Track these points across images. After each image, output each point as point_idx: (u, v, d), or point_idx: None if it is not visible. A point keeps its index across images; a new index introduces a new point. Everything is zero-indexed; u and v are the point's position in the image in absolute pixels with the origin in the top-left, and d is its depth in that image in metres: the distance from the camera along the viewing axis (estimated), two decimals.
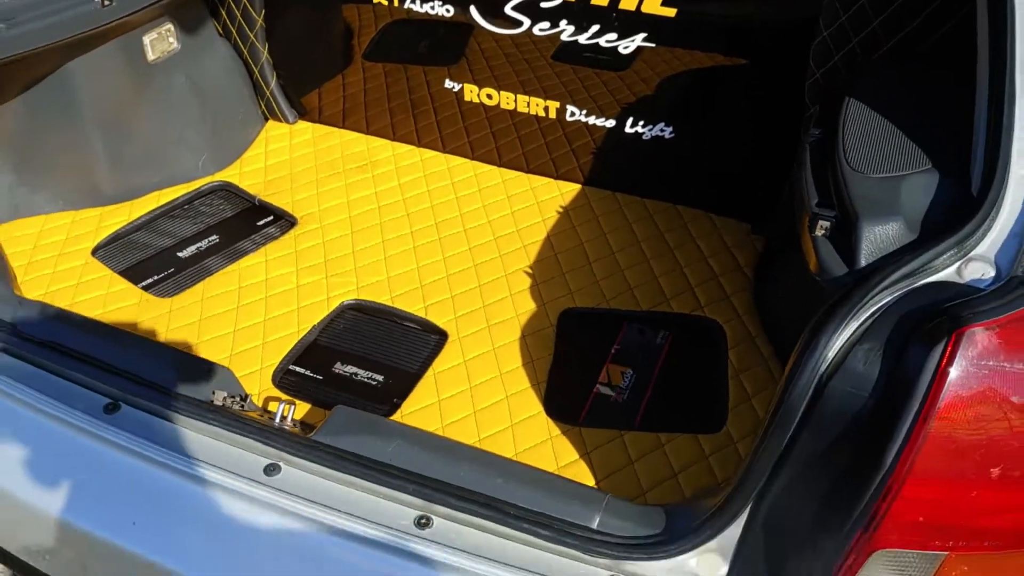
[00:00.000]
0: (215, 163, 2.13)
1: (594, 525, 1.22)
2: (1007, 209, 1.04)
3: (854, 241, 1.10)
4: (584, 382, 1.61)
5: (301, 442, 1.33)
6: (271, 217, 2.02)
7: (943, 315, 0.94)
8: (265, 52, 2.20)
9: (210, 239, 1.95)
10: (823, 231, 1.17)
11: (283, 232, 1.96)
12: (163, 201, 2.03)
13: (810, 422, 1.04)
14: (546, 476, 1.32)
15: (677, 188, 1.98)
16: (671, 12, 1.77)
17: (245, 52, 2.20)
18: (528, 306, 1.74)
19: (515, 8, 1.90)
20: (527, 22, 1.91)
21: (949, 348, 0.92)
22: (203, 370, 1.47)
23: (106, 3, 1.77)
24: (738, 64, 1.81)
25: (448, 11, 1.98)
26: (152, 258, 1.90)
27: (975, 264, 1.02)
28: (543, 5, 1.87)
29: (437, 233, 1.93)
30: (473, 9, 1.94)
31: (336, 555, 1.26)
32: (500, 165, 2.13)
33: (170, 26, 2.01)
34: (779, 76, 1.76)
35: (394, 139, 2.23)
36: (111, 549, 1.34)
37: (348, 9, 2.12)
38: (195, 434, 1.37)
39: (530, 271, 1.83)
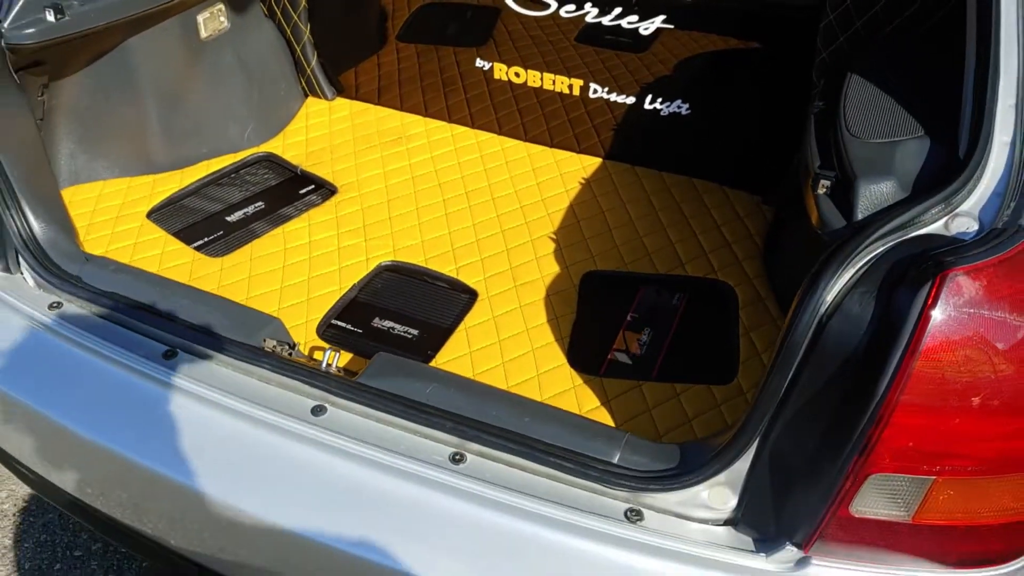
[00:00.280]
0: (259, 135, 2.27)
1: (614, 460, 1.34)
2: (990, 170, 1.15)
3: (852, 198, 1.22)
4: (605, 338, 1.74)
5: (345, 384, 1.46)
6: (312, 186, 2.15)
7: (929, 260, 1.06)
8: (307, 32, 2.33)
9: (256, 205, 2.09)
10: (824, 189, 1.29)
11: (324, 200, 2.09)
12: (211, 170, 2.17)
13: (811, 360, 1.15)
14: (570, 416, 1.45)
15: (692, 162, 2.10)
16: None
17: (288, 32, 2.33)
18: (552, 268, 1.87)
19: None
20: (554, 4, 2.04)
21: (934, 290, 1.04)
22: (254, 319, 1.60)
23: None
24: (750, 45, 1.92)
25: None
26: (202, 221, 2.03)
27: (961, 219, 1.14)
28: None
29: (467, 201, 2.06)
30: None
31: (376, 488, 1.38)
32: (526, 140, 2.25)
33: (221, 6, 2.14)
34: (788, 56, 1.88)
35: (426, 115, 2.36)
36: (166, 484, 1.46)
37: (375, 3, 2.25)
38: (247, 377, 1.50)
39: (554, 237, 1.96)
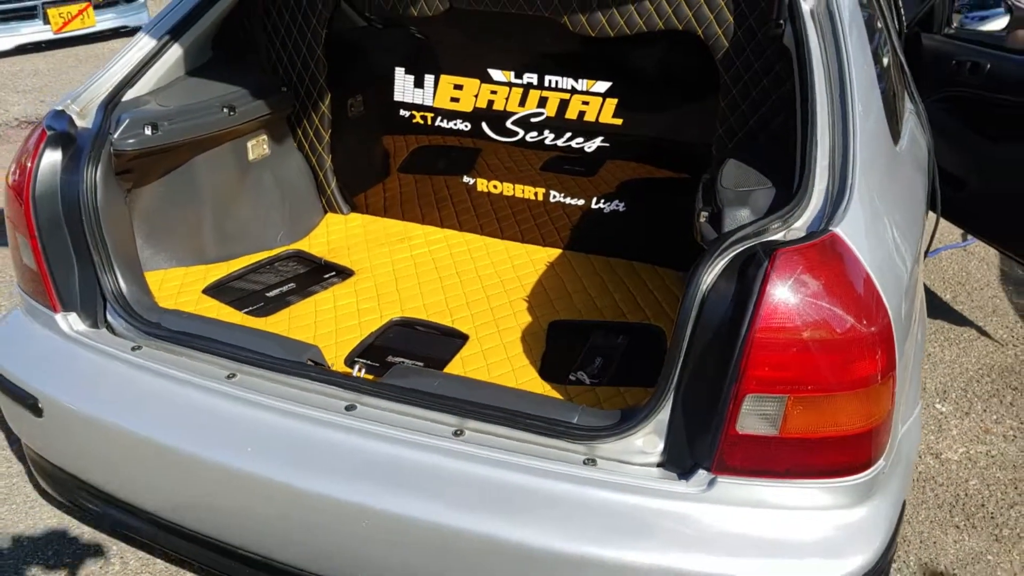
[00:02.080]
0: (289, 238, 2.86)
1: (574, 421, 1.84)
2: (813, 202, 1.74)
3: (721, 220, 1.82)
4: (567, 364, 2.26)
5: (371, 386, 1.96)
6: (333, 272, 2.72)
7: (770, 247, 1.64)
8: (328, 161, 2.98)
9: (289, 286, 2.64)
10: (704, 217, 1.89)
11: (343, 280, 2.65)
12: (251, 261, 2.73)
13: (698, 325, 1.68)
14: (540, 395, 1.96)
15: (630, 247, 2.72)
16: (619, 121, 2.57)
17: (313, 160, 2.98)
18: (526, 318, 2.42)
19: (513, 123, 2.71)
20: (521, 132, 2.72)
21: (771, 262, 1.61)
22: (297, 345, 2.12)
23: (229, 113, 2.55)
24: (665, 155, 2.59)
25: (467, 127, 2.78)
26: (247, 296, 2.57)
27: (793, 231, 1.72)
28: (532, 120, 2.68)
29: (459, 278, 2.64)
30: (484, 125, 2.75)
31: (398, 460, 1.85)
32: (503, 238, 2.87)
33: (265, 136, 2.79)
34: (694, 165, 2.54)
35: (423, 223, 2.98)
36: (230, 472, 1.91)
37: (391, 131, 2.93)
38: (293, 390, 1.99)
39: (526, 298, 2.52)
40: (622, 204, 2.69)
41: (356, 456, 1.87)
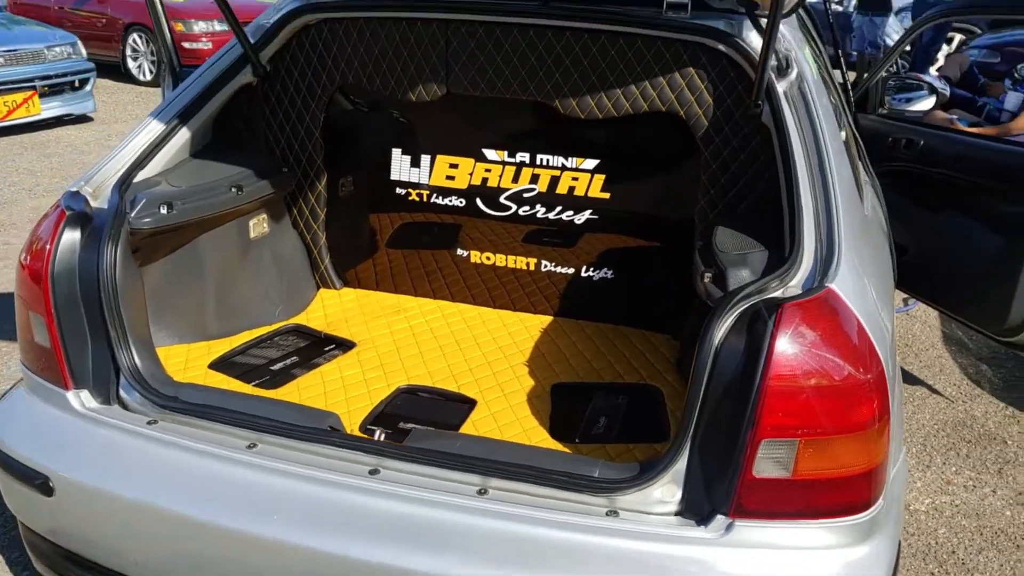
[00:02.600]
0: (287, 313, 2.93)
1: (595, 475, 1.95)
2: (804, 262, 1.92)
3: (724, 280, 1.98)
4: (575, 422, 2.37)
5: (394, 449, 2.04)
6: (334, 345, 2.80)
7: (775, 303, 1.80)
8: (323, 238, 3.09)
9: (292, 359, 2.71)
10: (707, 278, 2.05)
11: (345, 352, 2.73)
12: (252, 337, 2.79)
13: (712, 378, 1.82)
14: (560, 452, 2.06)
15: (618, 313, 2.87)
16: (607, 195, 2.76)
17: (308, 238, 3.08)
18: (529, 382, 2.53)
19: (507, 198, 2.87)
20: (514, 207, 2.88)
21: (778, 316, 1.77)
22: (317, 413, 2.18)
23: (237, 193, 2.65)
24: (650, 226, 2.78)
25: (462, 203, 2.93)
26: (253, 370, 2.62)
27: (790, 288, 1.89)
28: (525, 195, 2.85)
29: (458, 347, 2.75)
30: (478, 200, 2.91)
31: (426, 520, 1.92)
32: (495, 307, 2.99)
33: (265, 215, 2.88)
34: (678, 234, 2.73)
35: (416, 295, 3.09)
36: (256, 541, 1.95)
37: (386, 208, 3.06)
38: (315, 457, 2.04)
39: (527, 363, 2.64)
40: (610, 272, 2.86)
41: (383, 519, 1.92)
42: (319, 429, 2.09)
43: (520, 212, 2.88)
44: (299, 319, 2.94)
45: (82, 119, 9.77)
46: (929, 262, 3.71)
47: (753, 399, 1.76)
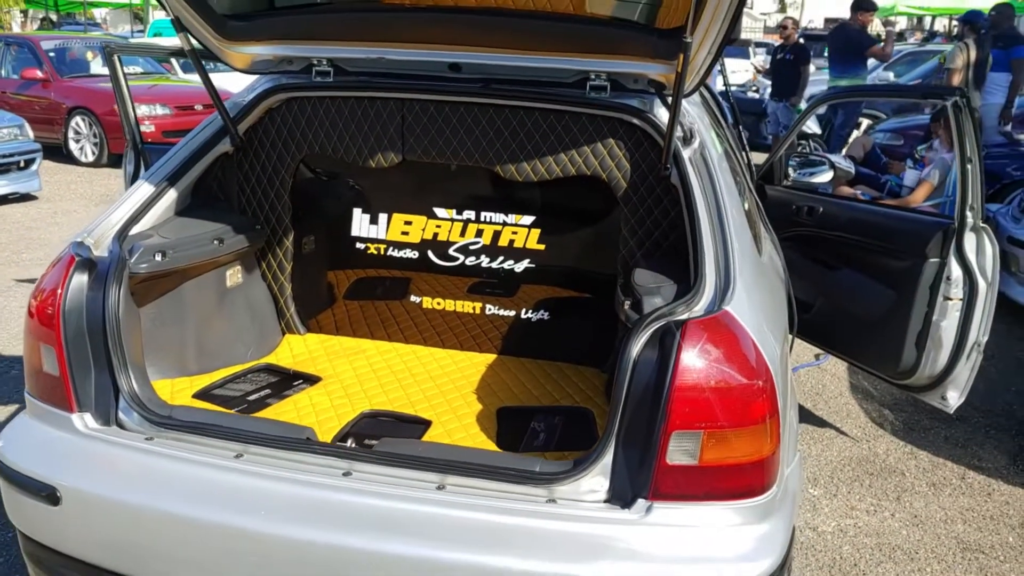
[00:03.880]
0: (257, 354, 3.24)
1: (536, 469, 2.30)
2: (707, 292, 2.33)
3: (640, 306, 2.39)
4: (519, 437, 2.72)
5: (364, 453, 2.37)
6: (302, 380, 3.11)
7: (681, 322, 2.20)
8: (289, 289, 3.43)
9: (266, 391, 3.01)
10: (627, 305, 2.47)
11: (313, 384, 3.05)
12: (227, 373, 3.09)
13: (631, 387, 2.20)
14: (507, 454, 2.41)
15: (554, 350, 3.26)
16: (542, 247, 3.18)
17: (275, 288, 3.42)
18: (477, 406, 2.88)
19: (455, 250, 3.27)
20: (461, 258, 3.28)
21: (683, 331, 2.17)
22: (294, 428, 2.50)
23: (219, 245, 2.99)
24: (580, 273, 3.20)
25: (415, 254, 3.32)
26: (233, 399, 2.92)
27: (695, 310, 2.30)
28: (471, 247, 3.25)
29: (413, 379, 3.09)
30: (430, 252, 3.30)
31: (392, 513, 2.23)
32: (444, 347, 3.35)
33: (239, 267, 3.22)
34: (603, 280, 3.14)
35: (373, 339, 3.44)
36: (246, 533, 2.24)
37: (347, 261, 3.42)
38: (294, 463, 2.35)
39: (475, 391, 2.99)
40: (546, 314, 3.26)
41: (356, 512, 2.23)
42: (298, 439, 2.40)
43: (467, 262, 3.28)
44: (269, 359, 3.25)
45: (27, 197, 9.97)
46: (831, 315, 4.15)
47: (665, 398, 2.14)
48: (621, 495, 2.23)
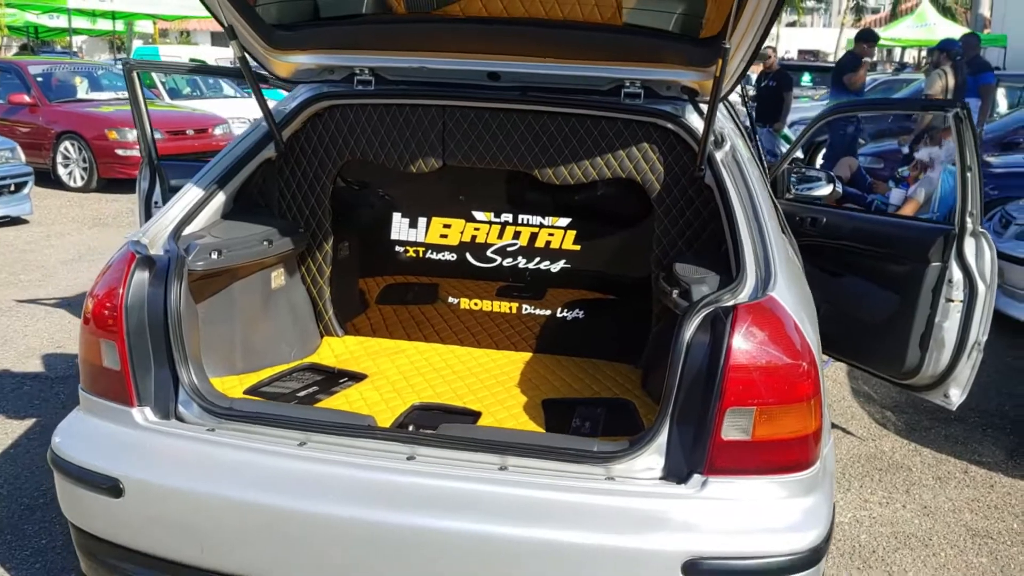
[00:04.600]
0: (300, 354, 3.34)
1: (595, 449, 2.42)
2: (749, 282, 2.47)
3: (690, 294, 2.54)
4: (565, 426, 2.84)
5: (427, 437, 2.48)
6: (346, 378, 3.21)
7: (730, 307, 2.35)
8: (328, 292, 3.53)
9: (313, 388, 3.11)
10: (675, 294, 2.61)
11: (359, 382, 3.15)
12: (274, 372, 3.18)
13: (686, 365, 2.34)
14: (563, 436, 2.53)
15: (588, 347, 3.39)
16: (577, 247, 3.33)
17: (315, 292, 3.52)
18: (522, 399, 3.00)
19: (493, 252, 3.41)
20: (499, 259, 3.41)
21: (734, 314, 2.32)
22: (355, 416, 2.61)
23: (268, 246, 3.10)
24: (614, 273, 3.35)
25: (453, 257, 3.45)
26: (283, 395, 3.02)
27: (740, 299, 2.45)
28: (508, 249, 3.39)
29: (456, 375, 3.21)
30: (468, 255, 3.43)
31: (454, 494, 2.34)
32: (480, 347, 3.47)
33: (282, 270, 3.33)
34: (637, 279, 3.29)
35: (410, 340, 3.55)
36: (314, 517, 2.33)
37: (385, 264, 3.54)
38: (359, 449, 2.46)
39: (518, 385, 3.11)
40: (581, 313, 3.40)
41: (420, 493, 2.33)
42: (361, 426, 2.51)
43: (504, 264, 3.42)
44: (311, 359, 3.35)
45: (18, 221, 9.95)
46: (836, 321, 4.30)
47: (719, 377, 2.28)
48: (676, 471, 2.36)
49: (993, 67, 12.35)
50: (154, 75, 14.27)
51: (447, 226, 3.46)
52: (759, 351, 2.30)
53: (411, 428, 2.58)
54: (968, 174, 3.73)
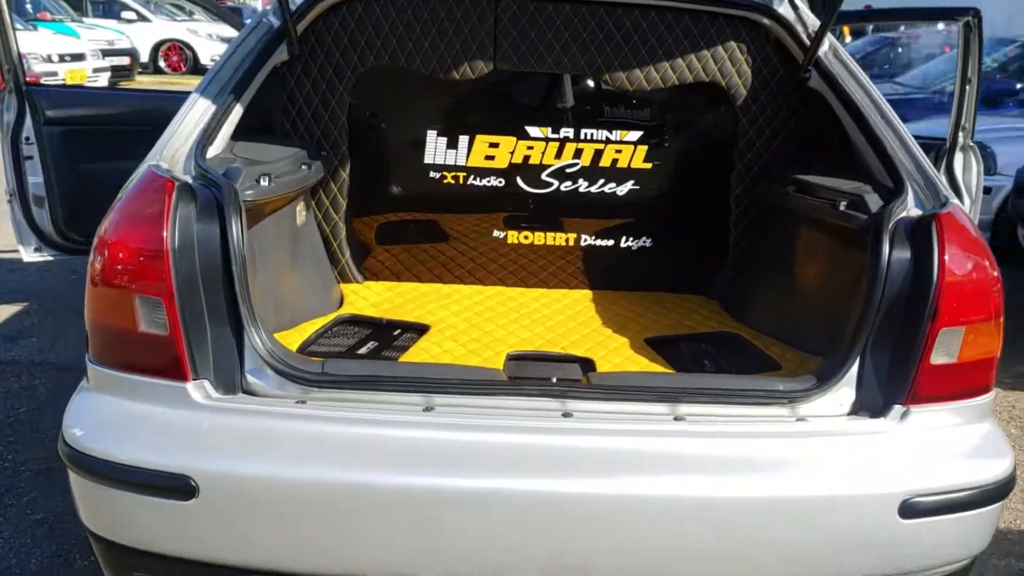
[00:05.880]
0: (329, 307, 2.74)
1: (780, 388, 2.10)
2: (910, 193, 2.23)
3: (865, 204, 2.25)
4: (685, 364, 2.49)
5: (582, 390, 2.06)
6: (401, 330, 2.66)
7: (929, 216, 2.08)
8: (344, 231, 2.94)
9: (372, 344, 2.55)
10: (843, 206, 2.32)
11: (423, 334, 2.61)
12: (313, 329, 2.56)
13: (887, 286, 2.06)
14: (736, 376, 2.20)
15: (655, 280, 3.04)
16: (649, 166, 2.94)
17: (328, 230, 2.92)
18: (621, 339, 2.61)
19: (549, 175, 2.94)
20: (556, 183, 2.96)
21: (938, 221, 2.06)
22: (484, 371, 2.16)
23: (308, 170, 2.49)
24: (688, 193, 3.00)
25: (501, 182, 2.95)
26: (343, 353, 2.45)
27: (913, 211, 2.19)
28: (567, 171, 2.94)
29: (528, 319, 2.75)
30: (519, 179, 2.94)
31: (625, 454, 1.95)
32: (527, 287, 3.03)
33: (302, 204, 2.70)
34: (713, 199, 2.97)
35: (443, 283, 3.03)
36: (461, 495, 1.90)
37: (416, 194, 2.98)
38: (499, 409, 1.99)
39: (605, 326, 2.71)
40: (648, 240, 3.02)
41: (585, 456, 1.94)
42: (498, 382, 2.04)
43: (562, 188, 2.96)
44: (343, 311, 2.77)
45: None
46: None
47: (932, 295, 2.01)
48: (870, 404, 2.11)
49: None
50: None
51: (494, 145, 2.94)
52: (969, 263, 2.09)
53: (554, 380, 2.13)
54: (967, 87, 3.68)
